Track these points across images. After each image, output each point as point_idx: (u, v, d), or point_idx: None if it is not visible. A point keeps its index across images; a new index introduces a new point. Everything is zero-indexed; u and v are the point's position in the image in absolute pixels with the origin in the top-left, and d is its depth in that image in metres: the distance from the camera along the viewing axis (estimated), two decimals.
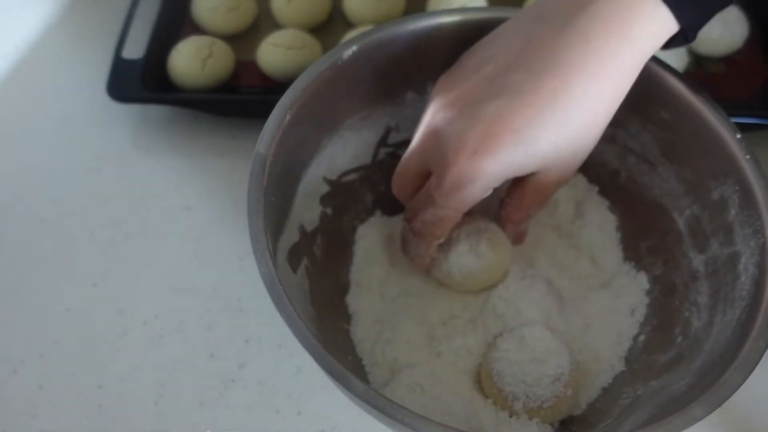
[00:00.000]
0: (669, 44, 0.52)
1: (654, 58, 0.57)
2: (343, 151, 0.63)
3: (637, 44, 0.50)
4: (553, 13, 0.51)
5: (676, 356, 0.55)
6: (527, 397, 0.55)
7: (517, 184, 0.57)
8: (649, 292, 0.61)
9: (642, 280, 0.62)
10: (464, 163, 0.51)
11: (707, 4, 0.50)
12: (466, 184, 0.52)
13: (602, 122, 0.52)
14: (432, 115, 0.54)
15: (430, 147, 0.54)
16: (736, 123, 0.55)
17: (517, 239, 0.63)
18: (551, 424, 0.57)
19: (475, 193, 0.53)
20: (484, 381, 0.58)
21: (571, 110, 0.50)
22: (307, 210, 0.60)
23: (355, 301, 0.63)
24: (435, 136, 0.53)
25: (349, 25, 0.84)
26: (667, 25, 0.49)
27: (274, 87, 0.79)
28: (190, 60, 0.77)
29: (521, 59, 0.51)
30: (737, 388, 0.46)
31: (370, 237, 0.65)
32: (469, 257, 0.60)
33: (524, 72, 0.50)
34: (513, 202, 0.58)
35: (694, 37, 0.51)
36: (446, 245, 0.60)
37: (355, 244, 0.65)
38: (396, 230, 0.65)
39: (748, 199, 0.53)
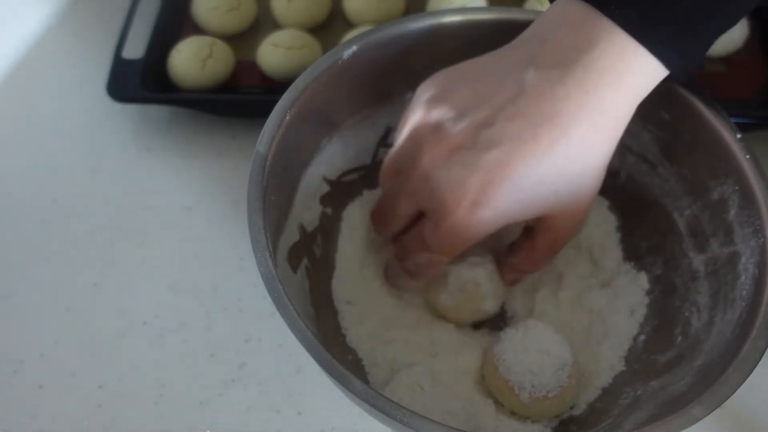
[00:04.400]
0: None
1: None
2: (343, 151, 0.63)
3: (631, 94, 0.50)
4: (548, 61, 0.50)
5: (676, 356, 0.55)
6: (533, 386, 0.55)
7: (527, 234, 0.57)
8: (649, 292, 0.61)
9: (642, 280, 0.62)
10: (463, 214, 0.51)
11: (694, 52, 0.50)
12: (464, 233, 0.52)
13: (601, 166, 0.52)
14: (422, 156, 0.53)
15: (424, 192, 0.53)
16: (736, 123, 0.55)
17: (512, 283, 0.63)
18: (555, 418, 0.57)
19: (471, 241, 0.53)
20: (489, 374, 0.58)
21: (571, 158, 0.50)
22: (307, 210, 0.60)
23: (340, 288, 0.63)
24: (428, 181, 0.52)
25: (349, 25, 0.84)
26: (658, 73, 0.50)
27: (274, 87, 0.79)
28: (190, 60, 0.77)
29: (518, 108, 0.50)
30: (737, 388, 0.46)
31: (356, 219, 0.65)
32: (458, 294, 0.60)
33: (522, 121, 0.50)
34: (523, 253, 0.58)
35: (686, 77, 0.52)
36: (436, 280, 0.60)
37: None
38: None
39: (748, 199, 0.53)
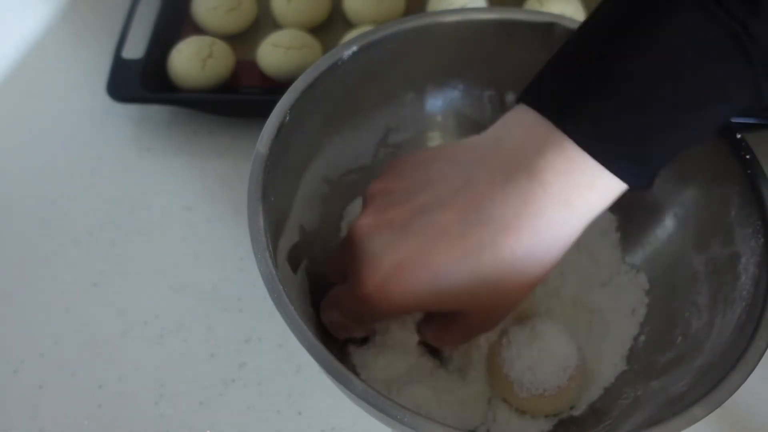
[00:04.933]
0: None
1: None
2: (344, 152, 0.63)
3: (577, 211, 0.47)
4: (496, 162, 0.48)
5: (677, 356, 0.55)
6: (531, 383, 0.55)
7: (439, 314, 0.54)
8: (649, 292, 0.61)
9: (642, 280, 0.62)
10: (372, 288, 0.49)
11: (657, 164, 0.47)
12: (371, 307, 0.50)
13: (531, 280, 0.49)
14: (360, 221, 0.51)
15: (350, 252, 0.51)
16: (736, 123, 0.55)
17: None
18: (554, 417, 0.57)
19: (379, 317, 0.53)
20: (492, 367, 0.58)
21: (496, 268, 0.47)
22: (307, 210, 0.60)
23: None
24: (352, 245, 0.51)
25: (349, 25, 0.84)
26: (613, 187, 0.47)
27: (274, 87, 0.79)
28: (190, 60, 0.77)
29: (455, 201, 0.48)
30: (737, 388, 0.46)
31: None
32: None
33: (455, 215, 0.48)
34: (434, 331, 0.55)
35: (649, 187, 0.49)
36: None
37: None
38: None
39: (747, 199, 0.53)
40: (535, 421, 0.57)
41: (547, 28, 0.60)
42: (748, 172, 0.53)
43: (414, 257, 0.48)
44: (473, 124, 0.65)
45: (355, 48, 0.59)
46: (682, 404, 0.46)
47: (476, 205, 0.47)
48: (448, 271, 0.48)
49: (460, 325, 0.52)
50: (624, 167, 0.46)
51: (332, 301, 0.55)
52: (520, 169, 0.47)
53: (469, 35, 0.61)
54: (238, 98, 0.80)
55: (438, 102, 0.64)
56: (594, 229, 0.63)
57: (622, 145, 0.45)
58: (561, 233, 0.48)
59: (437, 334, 0.55)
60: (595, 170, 0.45)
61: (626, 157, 0.46)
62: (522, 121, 0.48)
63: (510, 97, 0.64)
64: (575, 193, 0.46)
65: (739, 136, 0.55)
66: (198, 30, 0.83)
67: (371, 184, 0.53)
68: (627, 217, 0.64)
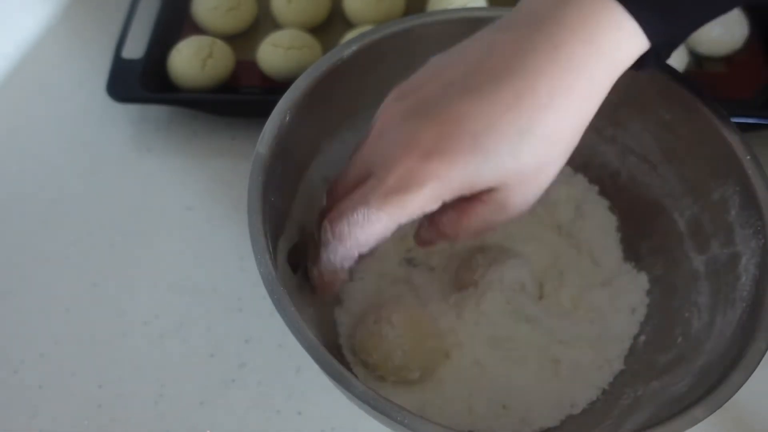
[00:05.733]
0: (641, 64, 0.49)
1: None
2: (344, 152, 0.62)
3: (605, 56, 0.46)
4: (518, 22, 0.48)
5: (677, 357, 0.55)
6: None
7: (467, 199, 0.50)
8: (649, 292, 0.61)
9: (642, 280, 0.62)
10: (414, 163, 0.46)
11: (677, 23, 0.47)
12: (413, 186, 0.47)
13: (569, 138, 0.48)
14: (380, 120, 0.50)
15: (376, 148, 0.50)
16: (736, 123, 0.55)
17: (423, 243, 0.55)
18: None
19: (419, 201, 0.47)
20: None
21: (537, 117, 0.46)
22: (307, 210, 0.60)
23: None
24: (382, 136, 0.49)
25: (349, 25, 0.84)
26: (636, 39, 0.47)
27: (274, 87, 0.79)
28: (190, 60, 0.77)
29: (483, 64, 0.47)
30: (738, 389, 0.46)
31: None
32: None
33: (485, 75, 0.47)
34: (454, 215, 0.51)
35: (667, 56, 0.49)
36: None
37: None
38: None
39: (748, 200, 0.53)
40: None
41: None
42: (749, 172, 0.53)
43: (453, 123, 0.46)
44: None
45: (355, 48, 0.59)
46: (683, 405, 0.46)
47: (505, 61, 0.47)
48: (490, 132, 0.46)
49: (491, 207, 0.49)
50: (650, 19, 0.46)
51: (354, 201, 0.49)
52: (545, 17, 0.47)
53: (469, 35, 0.61)
54: (238, 98, 0.80)
55: None
56: (594, 229, 0.64)
57: None
58: (593, 80, 0.47)
59: (458, 220, 0.51)
60: (622, 17, 0.46)
61: (654, 10, 0.46)
62: None
63: None
64: (603, 38, 0.46)
65: (740, 136, 0.55)
66: (198, 30, 0.83)
67: (393, 89, 0.51)
68: (627, 217, 0.64)
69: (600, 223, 0.65)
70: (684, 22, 0.48)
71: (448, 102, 0.47)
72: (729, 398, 0.46)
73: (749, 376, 0.46)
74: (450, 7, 0.79)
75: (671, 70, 0.58)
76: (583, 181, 0.66)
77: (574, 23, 0.46)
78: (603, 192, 0.66)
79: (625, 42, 0.47)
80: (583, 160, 0.65)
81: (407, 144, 0.47)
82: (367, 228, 0.49)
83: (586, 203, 0.66)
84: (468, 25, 0.60)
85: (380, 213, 0.48)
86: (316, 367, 0.46)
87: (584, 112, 0.47)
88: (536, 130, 0.46)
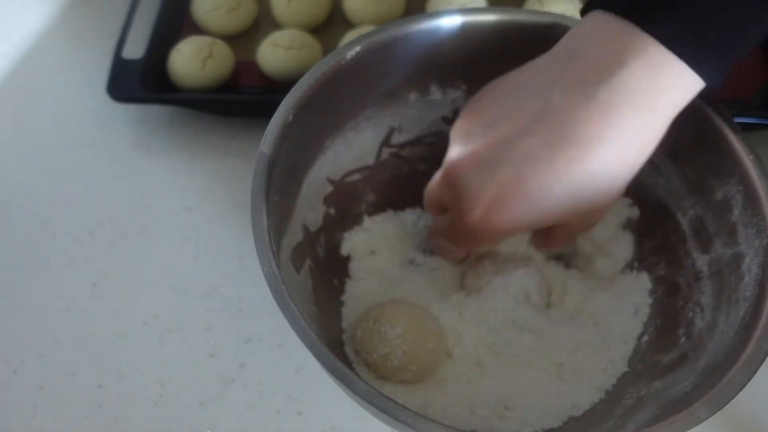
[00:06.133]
0: None
1: None
2: (347, 152, 0.63)
3: (660, 113, 0.48)
4: (573, 78, 0.48)
5: (680, 356, 0.55)
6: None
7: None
8: (652, 292, 0.61)
9: (645, 280, 0.62)
10: (477, 219, 0.51)
11: (731, 60, 0.47)
12: (479, 235, 0.52)
13: (622, 183, 0.50)
14: (451, 158, 0.54)
15: (447, 189, 0.54)
16: (740, 123, 0.55)
17: (539, 247, 0.64)
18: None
19: (488, 243, 0.56)
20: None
21: (588, 179, 0.49)
22: (310, 210, 0.60)
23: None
24: (451, 180, 0.53)
25: (349, 25, 0.84)
26: (693, 86, 0.47)
27: (274, 87, 0.79)
28: (190, 60, 0.77)
29: (537, 126, 0.49)
30: (741, 389, 0.46)
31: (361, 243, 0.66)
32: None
33: (540, 139, 0.48)
34: (539, 240, 0.60)
35: (719, 86, 0.49)
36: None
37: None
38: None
39: (751, 200, 0.53)
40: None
41: (548, 29, 0.60)
42: (752, 172, 0.53)
43: (509, 187, 0.50)
44: None
45: (358, 48, 0.59)
46: (686, 405, 0.46)
47: (559, 127, 0.48)
48: (543, 194, 0.49)
49: (560, 230, 0.56)
50: (708, 66, 0.46)
51: (438, 230, 0.60)
52: (600, 81, 0.47)
53: (470, 35, 0.61)
54: (238, 98, 0.80)
55: (441, 102, 0.64)
56: (598, 229, 0.64)
57: (708, 43, 0.46)
58: (646, 138, 0.49)
59: (545, 242, 0.59)
60: (680, 71, 0.46)
61: (710, 56, 0.46)
62: (596, 28, 0.48)
63: None
64: (659, 97, 0.47)
65: (743, 136, 0.55)
66: (198, 30, 0.83)
67: (454, 126, 0.55)
68: (631, 217, 0.64)
69: (604, 223, 0.64)
70: (738, 54, 0.48)
71: (505, 164, 0.50)
72: (732, 398, 0.46)
73: (752, 375, 0.46)
74: (450, 7, 0.79)
75: None
76: None
77: (632, 88, 0.46)
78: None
79: (683, 95, 0.48)
80: None
81: (470, 201, 0.52)
82: (452, 252, 0.63)
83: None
84: (468, 25, 0.61)
85: (458, 246, 0.60)
86: (316, 367, 0.46)
87: (638, 160, 0.50)
88: (588, 189, 0.49)
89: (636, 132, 0.48)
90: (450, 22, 0.61)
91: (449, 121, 0.65)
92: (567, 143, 0.48)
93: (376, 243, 0.65)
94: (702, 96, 0.56)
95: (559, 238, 0.57)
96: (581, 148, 0.48)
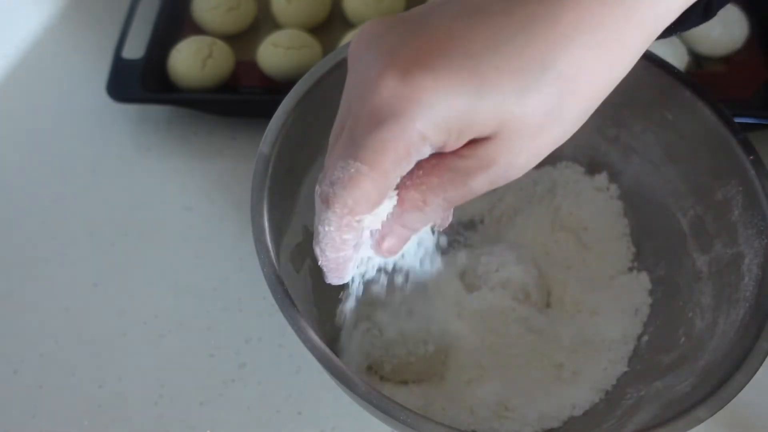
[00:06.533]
0: (684, 21, 0.40)
1: (655, 58, 0.57)
2: None
3: (646, 4, 0.37)
4: None
5: (680, 357, 0.55)
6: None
7: (438, 156, 0.40)
8: (652, 293, 0.61)
9: (645, 280, 0.62)
10: (391, 83, 0.36)
11: None
12: (393, 115, 0.36)
13: (591, 92, 0.38)
14: (354, 43, 0.40)
15: (350, 78, 0.40)
16: (740, 123, 0.55)
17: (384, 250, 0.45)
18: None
19: (403, 140, 0.37)
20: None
21: (556, 48, 0.36)
22: (310, 210, 0.60)
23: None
24: (356, 64, 0.39)
25: (349, 25, 0.84)
26: None
27: (274, 87, 0.79)
28: (190, 60, 0.77)
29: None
30: (741, 389, 0.46)
31: None
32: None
33: None
34: (431, 166, 0.40)
35: (716, 10, 0.41)
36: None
37: None
38: None
39: (751, 200, 0.53)
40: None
41: None
42: (752, 172, 0.53)
43: (443, 39, 0.36)
44: None
45: None
46: (686, 405, 0.46)
47: None
48: (492, 58, 0.36)
49: (473, 162, 0.39)
50: None
51: (337, 152, 0.40)
52: None
53: None
54: (238, 98, 0.80)
55: None
56: (598, 228, 0.64)
57: None
58: (630, 23, 0.37)
59: (439, 169, 0.40)
60: None
61: None
62: None
63: None
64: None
65: (743, 136, 0.55)
66: (198, 30, 0.83)
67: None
68: (631, 217, 0.64)
69: (605, 223, 0.64)
70: None
71: (439, 18, 0.37)
72: (732, 398, 0.46)
73: (752, 376, 0.46)
74: None
75: (673, 70, 0.58)
76: (599, 179, 0.66)
77: None
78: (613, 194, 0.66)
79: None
80: (586, 160, 0.65)
81: (382, 62, 0.37)
82: (351, 185, 0.38)
83: (598, 204, 0.66)
84: None
85: (359, 164, 0.38)
86: (316, 366, 0.46)
87: (615, 63, 0.38)
88: (554, 64, 0.36)
89: (617, 5, 0.36)
90: None
91: None
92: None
93: None
94: (702, 96, 0.56)
95: (457, 176, 0.39)
96: (548, 4, 0.36)
